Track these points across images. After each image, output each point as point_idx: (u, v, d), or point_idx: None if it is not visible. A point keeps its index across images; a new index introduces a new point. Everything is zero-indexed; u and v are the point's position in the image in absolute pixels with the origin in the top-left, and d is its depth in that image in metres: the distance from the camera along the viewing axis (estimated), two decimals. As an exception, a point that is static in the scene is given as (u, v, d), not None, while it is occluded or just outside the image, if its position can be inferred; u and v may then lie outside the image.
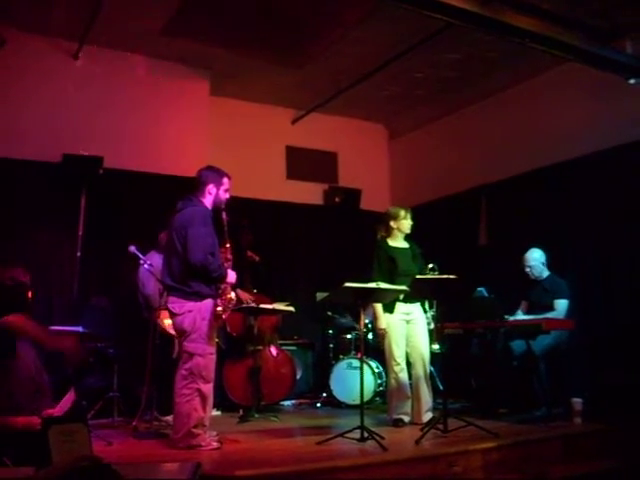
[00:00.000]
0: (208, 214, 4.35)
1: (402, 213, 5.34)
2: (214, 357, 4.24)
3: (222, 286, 4.26)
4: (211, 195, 4.42)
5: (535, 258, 5.73)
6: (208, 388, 4.16)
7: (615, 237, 6.05)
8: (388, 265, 5.21)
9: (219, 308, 4.17)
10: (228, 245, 4.43)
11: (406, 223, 5.34)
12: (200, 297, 4.18)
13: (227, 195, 4.50)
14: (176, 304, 4.21)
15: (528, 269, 5.75)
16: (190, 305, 4.17)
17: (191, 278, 4.18)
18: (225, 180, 4.47)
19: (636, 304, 5.74)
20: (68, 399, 3.41)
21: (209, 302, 4.20)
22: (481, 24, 4.99)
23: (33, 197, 6.12)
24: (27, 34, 6.24)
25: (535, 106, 7.05)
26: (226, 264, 4.35)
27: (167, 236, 4.48)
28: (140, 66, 6.88)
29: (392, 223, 5.36)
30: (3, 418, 3.26)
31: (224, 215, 4.46)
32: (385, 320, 5.13)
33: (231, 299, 4.34)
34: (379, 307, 5.10)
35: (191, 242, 4.14)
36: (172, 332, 4.70)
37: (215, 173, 4.46)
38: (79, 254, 6.18)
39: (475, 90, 7.50)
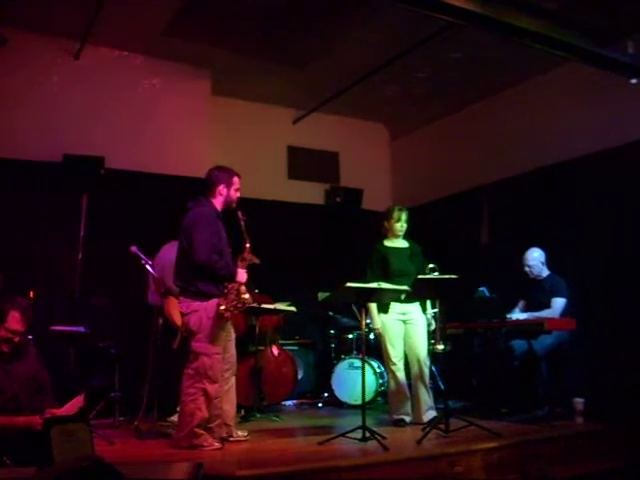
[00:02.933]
0: (214, 214, 4.36)
1: (395, 215, 5.28)
2: (220, 357, 4.24)
3: (229, 286, 4.25)
4: (222, 195, 4.43)
5: (535, 258, 5.72)
6: (214, 388, 4.16)
7: (616, 237, 6.04)
8: (382, 265, 5.20)
9: (222, 307, 4.16)
10: (248, 245, 4.37)
11: (397, 225, 5.28)
12: (206, 297, 4.19)
13: (238, 194, 4.52)
14: (184, 304, 4.25)
15: (527, 268, 5.74)
16: (196, 305, 4.18)
17: (197, 278, 4.19)
18: (235, 179, 4.49)
19: (637, 304, 5.74)
20: (75, 402, 3.41)
21: (215, 302, 4.20)
22: (482, 24, 4.98)
23: (34, 197, 6.13)
24: (28, 33, 6.25)
25: (536, 106, 7.04)
26: (241, 263, 4.33)
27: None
28: (141, 66, 6.89)
29: (385, 223, 5.35)
30: (4, 417, 3.26)
31: (240, 214, 4.43)
32: (380, 320, 5.12)
33: (244, 300, 4.28)
34: (373, 307, 5.10)
35: (195, 242, 4.16)
36: (177, 321, 4.74)
37: (225, 173, 4.47)
38: (80, 254, 6.18)
39: (476, 90, 7.50)
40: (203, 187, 4.49)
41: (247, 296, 4.29)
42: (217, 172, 4.48)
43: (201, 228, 4.21)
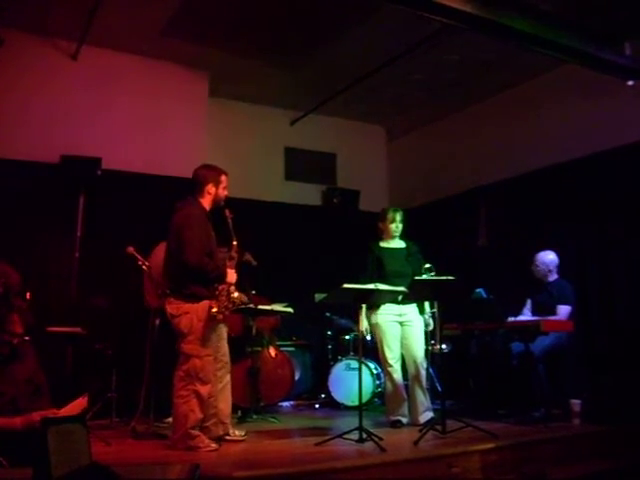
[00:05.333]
0: (203, 214, 4.34)
1: (389, 216, 5.28)
2: (211, 358, 4.24)
3: (219, 287, 4.24)
4: (210, 194, 4.40)
5: (544, 262, 5.69)
6: (206, 390, 4.16)
7: (614, 238, 6.05)
8: (376, 266, 5.20)
9: (214, 309, 4.15)
10: (235, 243, 4.34)
11: (392, 226, 5.27)
12: (197, 299, 4.17)
13: (226, 192, 4.49)
14: (173, 305, 4.21)
15: (534, 267, 5.75)
16: (187, 307, 4.16)
17: (187, 280, 4.17)
18: (223, 177, 4.46)
19: (635, 305, 5.75)
20: (78, 404, 3.39)
21: (206, 304, 4.18)
22: (479, 26, 4.99)
23: (31, 198, 6.11)
24: (26, 34, 6.24)
25: (534, 107, 7.05)
26: (230, 262, 4.31)
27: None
28: (139, 67, 6.88)
29: (380, 224, 5.35)
30: (2, 419, 3.25)
31: (227, 212, 4.40)
32: (366, 323, 5.11)
33: (234, 300, 4.27)
34: (362, 309, 5.08)
35: (185, 244, 4.13)
36: None
37: (213, 171, 4.45)
38: (77, 255, 6.18)
39: (474, 91, 7.51)
40: (190, 187, 4.46)
41: (237, 295, 4.28)
42: (205, 171, 4.44)
43: (191, 229, 4.18)
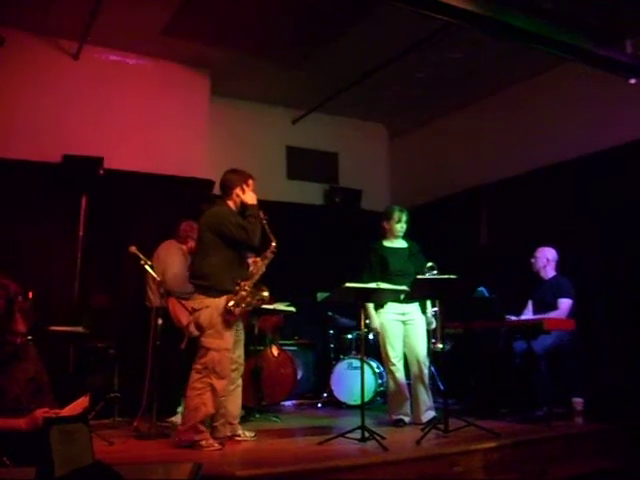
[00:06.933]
0: (234, 212, 4.46)
1: (395, 215, 5.28)
2: (229, 354, 4.29)
3: (241, 283, 4.26)
4: (239, 197, 4.51)
5: (544, 254, 5.73)
6: (221, 384, 4.20)
7: (616, 237, 6.05)
8: (380, 266, 5.20)
9: (231, 303, 4.18)
10: (274, 243, 4.43)
11: (398, 226, 5.28)
12: (218, 293, 4.24)
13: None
14: (197, 300, 4.30)
15: (532, 260, 5.78)
16: (208, 301, 4.23)
17: (209, 273, 4.26)
18: (250, 181, 4.58)
19: (637, 304, 5.74)
20: (80, 403, 3.40)
21: (227, 298, 4.24)
22: (481, 24, 4.99)
23: (33, 198, 6.13)
24: (27, 34, 6.25)
25: (535, 106, 7.04)
26: (262, 262, 4.41)
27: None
28: (141, 66, 6.88)
29: (385, 223, 5.35)
30: (5, 420, 3.25)
31: (262, 214, 4.47)
32: (378, 320, 5.14)
33: (263, 297, 4.36)
34: (371, 307, 5.11)
35: (234, 234, 4.29)
36: (183, 322, 4.81)
37: (240, 175, 4.57)
38: (79, 255, 6.18)
39: (475, 90, 7.51)
40: (220, 191, 4.63)
41: (266, 294, 4.36)
42: (232, 175, 4.57)
43: (229, 222, 4.32)
